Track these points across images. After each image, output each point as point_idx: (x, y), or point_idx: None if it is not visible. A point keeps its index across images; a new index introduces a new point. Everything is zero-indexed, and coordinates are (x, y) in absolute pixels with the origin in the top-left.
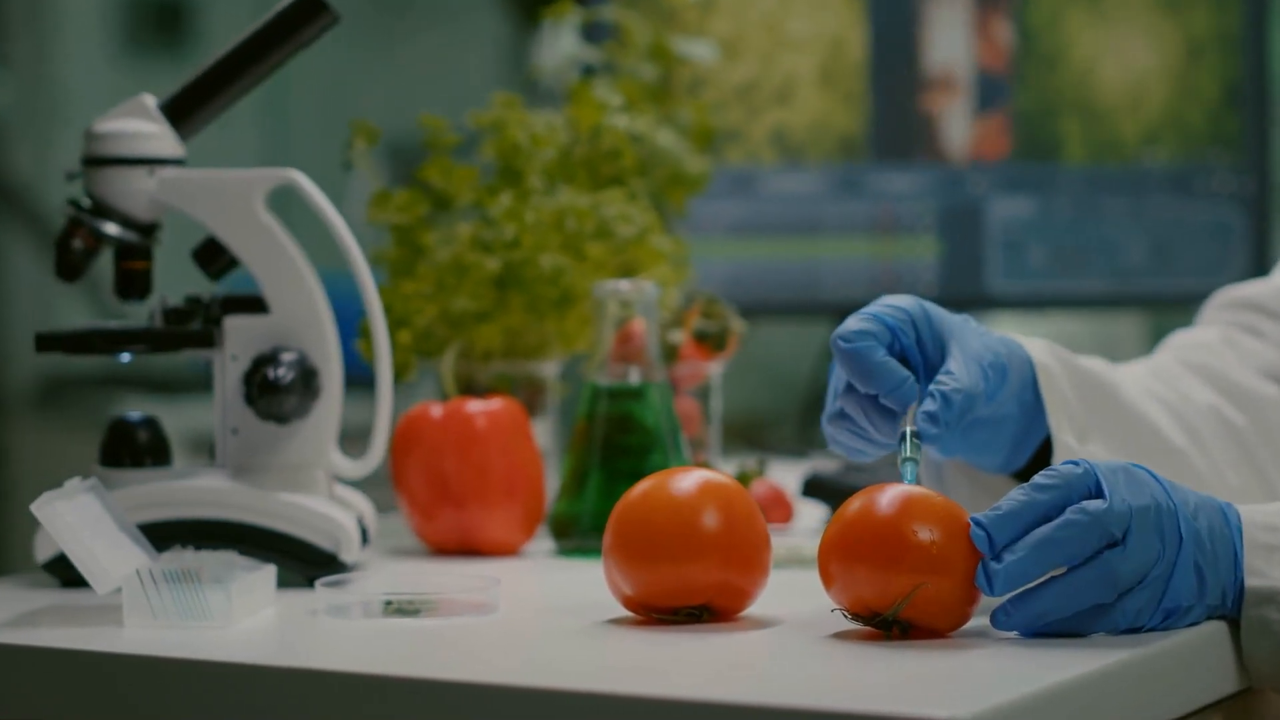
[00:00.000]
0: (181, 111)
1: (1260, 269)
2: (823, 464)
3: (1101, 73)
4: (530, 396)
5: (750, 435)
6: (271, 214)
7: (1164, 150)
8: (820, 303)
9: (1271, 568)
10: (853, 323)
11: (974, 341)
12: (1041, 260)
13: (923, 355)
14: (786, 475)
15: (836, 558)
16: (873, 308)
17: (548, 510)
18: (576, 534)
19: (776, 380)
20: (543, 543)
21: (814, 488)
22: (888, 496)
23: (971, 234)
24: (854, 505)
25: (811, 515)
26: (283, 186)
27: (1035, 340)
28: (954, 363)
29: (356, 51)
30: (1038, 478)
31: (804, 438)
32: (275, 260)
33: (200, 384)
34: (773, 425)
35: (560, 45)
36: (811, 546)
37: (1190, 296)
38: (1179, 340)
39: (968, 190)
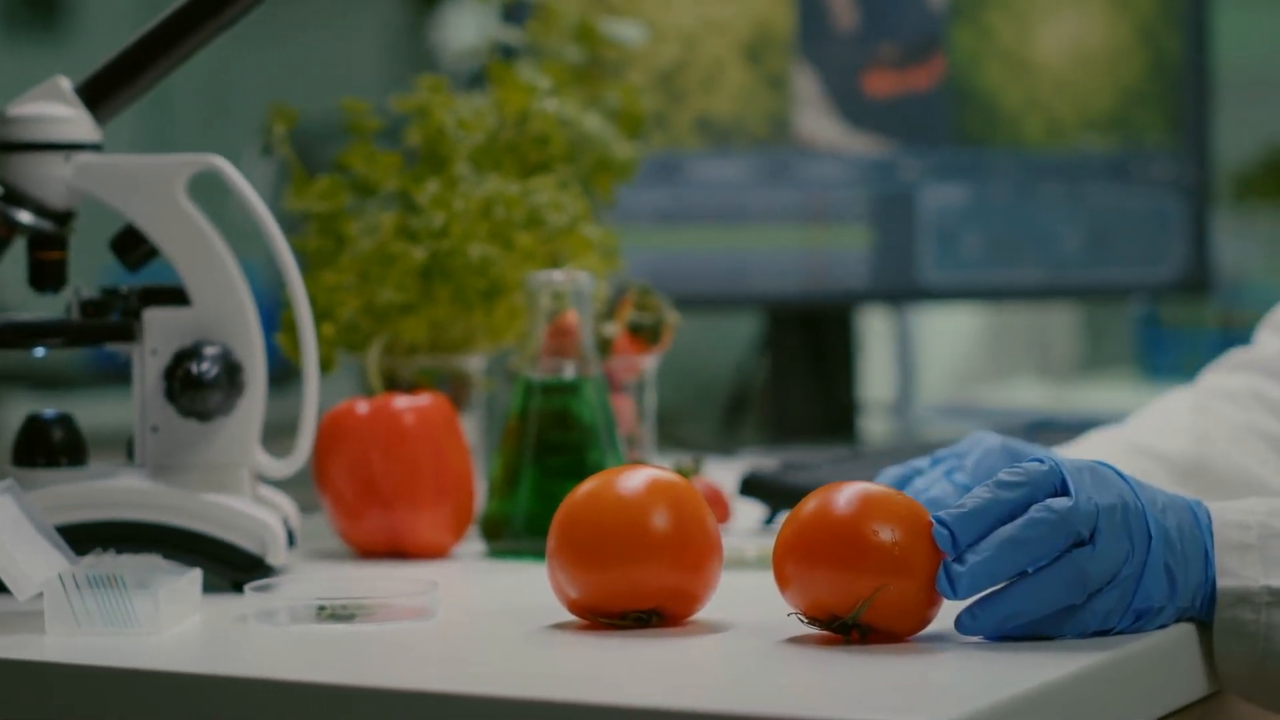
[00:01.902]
0: (99, 95)
1: (1199, 258)
2: (760, 462)
3: (1038, 57)
4: (455, 391)
5: (669, 432)
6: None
7: (1102, 137)
8: (748, 294)
9: (1244, 567)
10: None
11: None
12: (976, 250)
13: None
14: (717, 473)
15: (793, 559)
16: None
17: (478, 510)
18: (509, 535)
19: (696, 375)
20: (472, 544)
21: (752, 487)
22: (845, 495)
23: (904, 222)
24: (810, 504)
25: (749, 515)
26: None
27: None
28: None
29: (237, 34)
30: (1002, 475)
31: (729, 434)
32: (197, 250)
33: (89, 380)
34: (693, 421)
35: (473, 25)
36: (752, 547)
37: (1128, 287)
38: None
39: (899, 177)
